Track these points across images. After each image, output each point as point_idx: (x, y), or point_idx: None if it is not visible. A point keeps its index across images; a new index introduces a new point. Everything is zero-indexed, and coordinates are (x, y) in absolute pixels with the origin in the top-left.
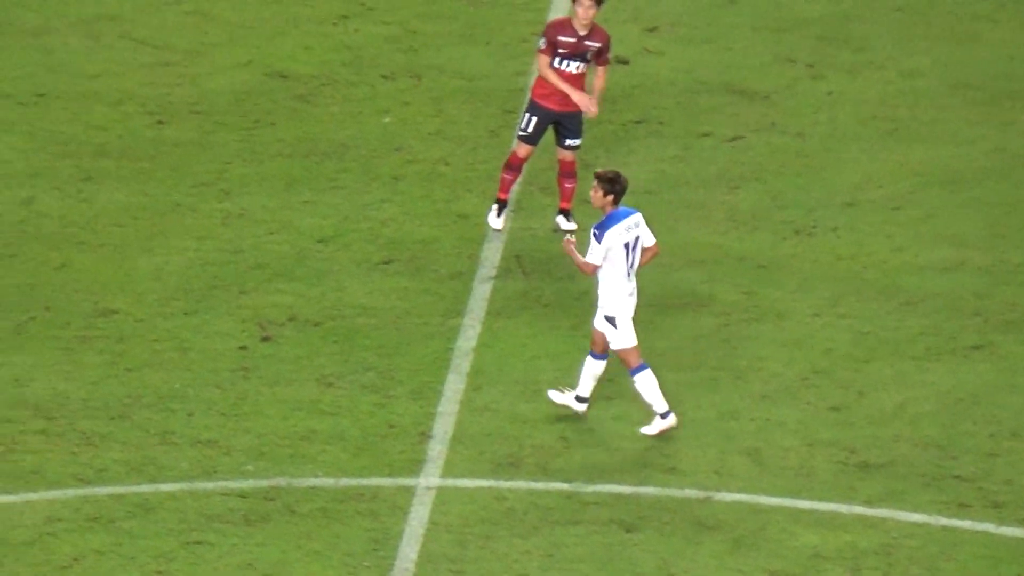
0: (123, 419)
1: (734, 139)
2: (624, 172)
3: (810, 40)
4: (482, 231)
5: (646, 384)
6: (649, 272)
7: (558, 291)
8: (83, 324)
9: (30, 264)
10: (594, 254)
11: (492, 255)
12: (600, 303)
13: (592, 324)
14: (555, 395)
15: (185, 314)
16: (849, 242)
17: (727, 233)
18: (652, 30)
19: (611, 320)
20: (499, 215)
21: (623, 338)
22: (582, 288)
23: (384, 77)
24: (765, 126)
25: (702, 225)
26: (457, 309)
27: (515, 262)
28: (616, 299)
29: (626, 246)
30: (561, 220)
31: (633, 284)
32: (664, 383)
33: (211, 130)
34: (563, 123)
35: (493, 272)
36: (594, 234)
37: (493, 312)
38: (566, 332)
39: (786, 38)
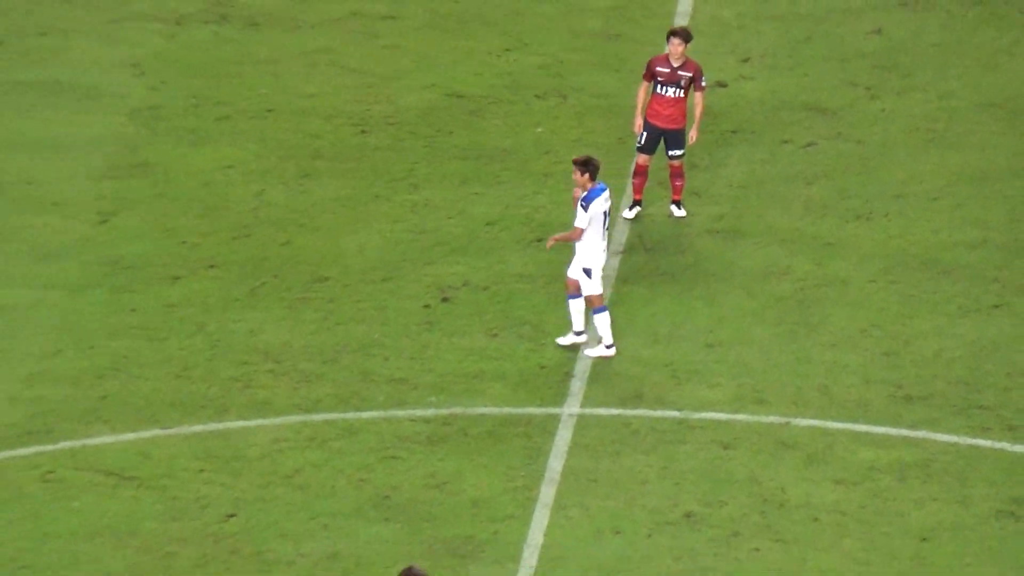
0: (334, 362)
1: (808, 145)
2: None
3: (868, 68)
4: (613, 216)
5: (603, 321)
6: (741, 248)
7: (672, 263)
8: (302, 288)
9: (261, 242)
10: (581, 220)
11: (620, 235)
12: (578, 258)
13: (567, 272)
14: (561, 340)
15: (383, 280)
16: (898, 225)
17: (803, 218)
18: (745, 60)
19: (587, 271)
20: (631, 210)
21: (594, 286)
22: (689, 261)
23: (537, 97)
24: (833, 135)
25: (783, 212)
26: None
27: (638, 240)
28: (593, 255)
29: (604, 213)
30: (674, 208)
31: (605, 243)
32: (753, 335)
33: (403, 138)
34: (668, 137)
35: (621, 248)
36: (581, 205)
37: (621, 279)
38: (677, 295)
39: (850, 66)
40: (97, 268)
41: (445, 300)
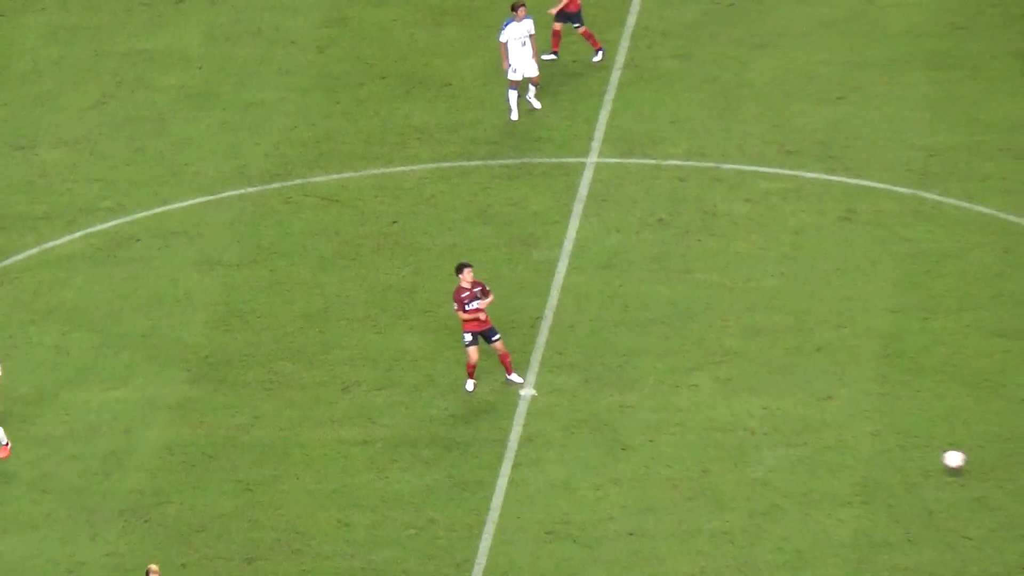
0: (454, 131)
1: (730, 5)
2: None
3: None
4: None
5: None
6: (690, 65)
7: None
8: (437, 88)
9: (413, 64)
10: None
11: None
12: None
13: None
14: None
15: None
16: (785, 50)
17: (729, 45)
18: None
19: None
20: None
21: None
22: (671, 66)
23: None
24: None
25: (718, 41)
26: None
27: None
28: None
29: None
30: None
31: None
32: (698, 114)
33: None
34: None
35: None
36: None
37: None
38: (658, 82)
39: None
40: (322, 79)
41: None
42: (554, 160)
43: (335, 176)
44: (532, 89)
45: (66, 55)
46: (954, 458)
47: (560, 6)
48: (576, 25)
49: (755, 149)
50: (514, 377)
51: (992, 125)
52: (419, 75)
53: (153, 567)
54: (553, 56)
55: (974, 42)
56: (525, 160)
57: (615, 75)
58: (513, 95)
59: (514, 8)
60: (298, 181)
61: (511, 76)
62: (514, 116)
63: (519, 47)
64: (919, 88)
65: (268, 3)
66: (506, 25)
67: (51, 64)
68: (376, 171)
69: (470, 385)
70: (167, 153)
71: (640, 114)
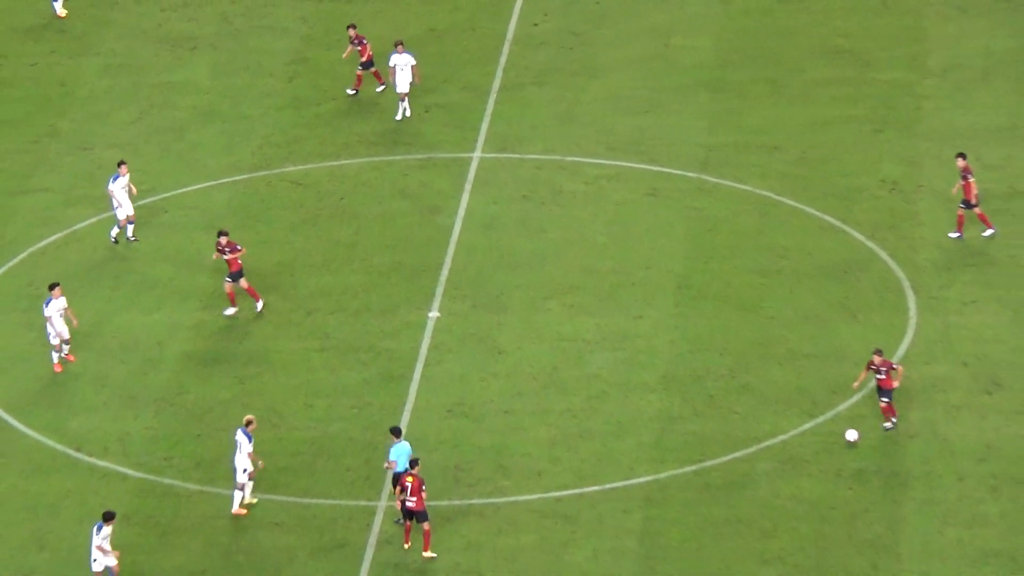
0: None
1: None
2: None
3: None
4: None
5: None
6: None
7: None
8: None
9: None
10: None
11: None
12: None
13: None
14: None
15: None
16: None
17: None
18: None
19: None
20: None
21: None
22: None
23: None
24: None
25: None
26: None
27: None
28: None
29: None
30: None
31: None
32: None
33: None
34: None
35: None
36: None
37: None
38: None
39: None
40: (291, 100)
41: None
42: (451, 155)
43: (301, 167)
44: (403, 102)
45: (114, 85)
46: (852, 435)
47: (347, 53)
48: (371, 68)
49: (588, 147)
50: (428, 554)
51: (751, 129)
52: (359, 98)
53: (250, 417)
54: (382, 87)
55: (738, 72)
56: (431, 156)
57: (492, 97)
58: (400, 105)
59: (396, 44)
60: (275, 171)
61: (398, 90)
62: (398, 117)
63: (401, 72)
64: (701, 105)
65: (253, 48)
66: (391, 55)
67: (104, 91)
68: (329, 163)
69: None
70: (184, 152)
71: (509, 123)
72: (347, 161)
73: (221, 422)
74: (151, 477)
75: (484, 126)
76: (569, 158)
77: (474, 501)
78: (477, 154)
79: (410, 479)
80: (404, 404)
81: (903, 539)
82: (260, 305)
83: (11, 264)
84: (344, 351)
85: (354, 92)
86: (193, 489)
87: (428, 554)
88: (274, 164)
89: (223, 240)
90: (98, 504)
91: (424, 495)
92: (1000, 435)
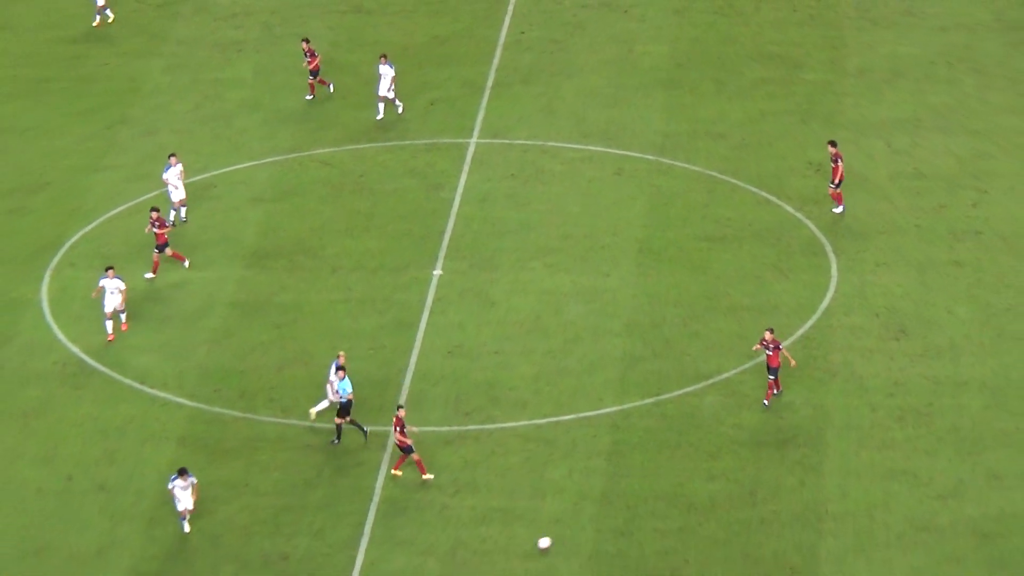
0: None
1: None
2: None
3: None
4: None
5: None
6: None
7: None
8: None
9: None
10: None
11: None
12: None
13: None
14: None
15: None
16: None
17: None
18: None
19: None
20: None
21: None
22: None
23: None
24: None
25: None
26: None
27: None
28: None
29: None
30: None
31: None
32: None
33: None
34: None
35: None
36: None
37: None
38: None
39: None
40: (320, 98)
41: None
42: (452, 141)
43: (328, 150)
44: (383, 104)
45: (174, 81)
46: (544, 542)
47: (309, 65)
48: (316, 77)
49: (565, 134)
50: (427, 476)
51: (700, 120)
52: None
53: (341, 353)
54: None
55: (689, 73)
56: (435, 141)
57: (486, 92)
58: (380, 105)
59: (381, 56)
60: (306, 153)
61: (380, 93)
62: (379, 116)
63: (383, 79)
64: (658, 100)
65: (289, 51)
66: (378, 66)
67: (165, 86)
68: (351, 147)
69: None
70: (233, 137)
71: (500, 115)
72: (366, 145)
73: (261, 360)
74: (202, 406)
75: (479, 117)
76: (549, 143)
77: (470, 427)
78: (474, 140)
79: (395, 421)
80: (412, 347)
81: (825, 460)
82: (187, 263)
83: (87, 229)
84: (363, 302)
85: (311, 96)
86: (238, 416)
87: (426, 476)
88: (306, 147)
89: (154, 215)
90: (158, 428)
91: (405, 434)
92: (905, 374)
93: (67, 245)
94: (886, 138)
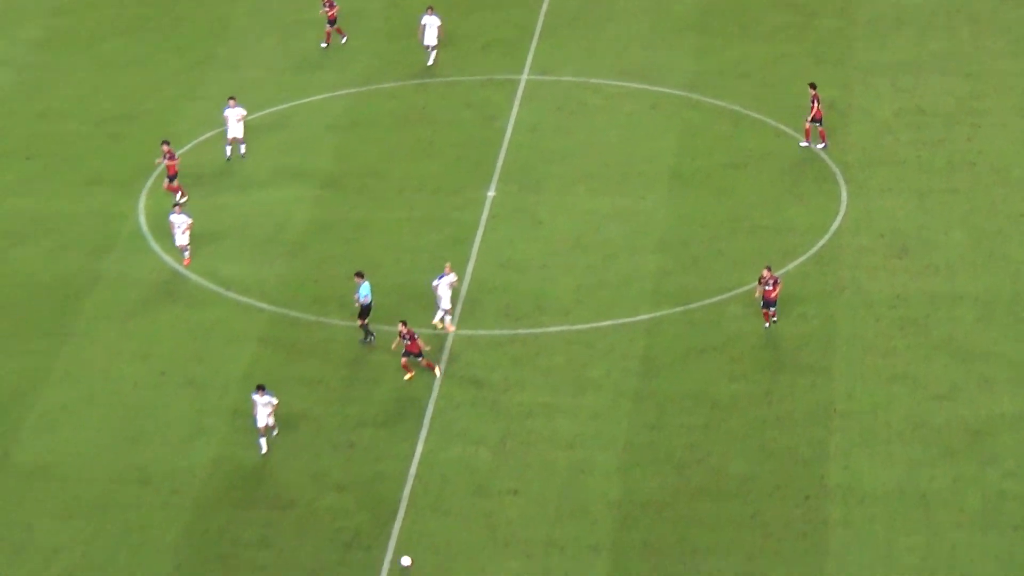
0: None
1: None
2: None
3: None
4: None
5: None
6: None
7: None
8: None
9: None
10: None
11: None
12: None
13: None
14: None
15: None
16: None
17: None
18: None
19: None
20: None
21: None
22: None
23: None
24: None
25: None
26: None
27: None
28: None
29: None
30: None
31: None
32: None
33: None
34: None
35: None
36: None
37: None
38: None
39: None
40: (391, 51)
41: None
42: (505, 77)
43: (395, 84)
44: (430, 51)
45: (258, 22)
46: (405, 560)
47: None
48: (334, 26)
49: (606, 72)
50: (437, 371)
51: (728, 61)
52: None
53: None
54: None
55: (717, 19)
56: (491, 77)
57: (536, 34)
58: (432, 53)
59: (428, 8)
60: (376, 87)
61: (425, 43)
62: (429, 63)
63: (429, 28)
64: (689, 42)
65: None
66: (423, 16)
67: (251, 27)
68: (415, 82)
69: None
70: (310, 72)
71: (548, 55)
72: (428, 80)
73: (334, 270)
74: (281, 310)
75: (529, 56)
76: (592, 80)
77: (519, 331)
78: (524, 77)
79: (406, 331)
80: (468, 260)
81: (834, 364)
82: (184, 199)
83: (180, 152)
84: (424, 220)
85: (326, 45)
86: (311, 320)
87: (437, 371)
88: (375, 81)
89: (165, 148)
90: (241, 330)
91: (419, 341)
92: (907, 288)
93: (161, 166)
94: (891, 78)
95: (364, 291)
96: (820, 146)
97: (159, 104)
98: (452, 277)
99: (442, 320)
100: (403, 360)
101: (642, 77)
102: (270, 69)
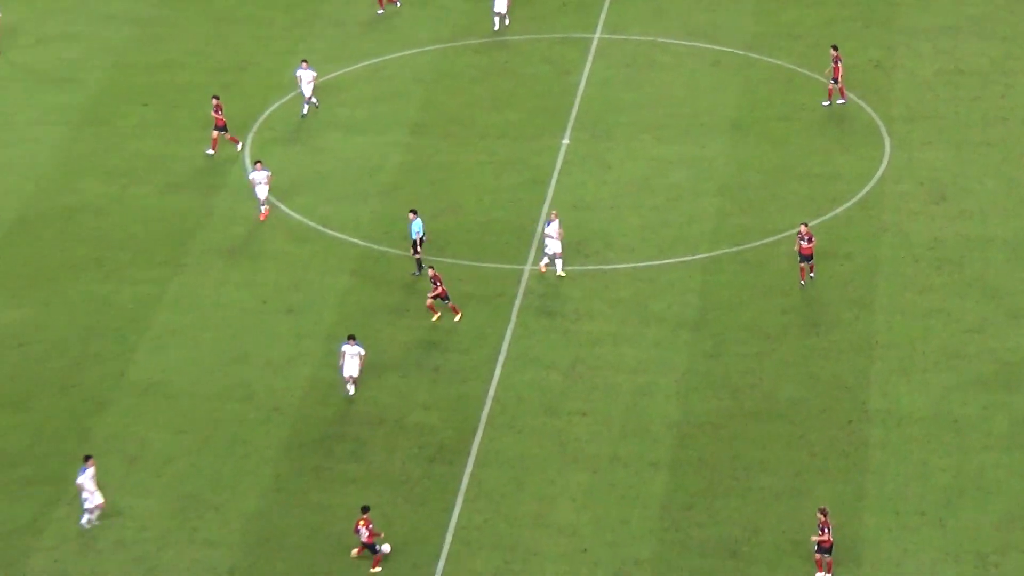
0: None
1: None
2: None
3: None
4: None
5: None
6: None
7: None
8: None
9: None
10: None
11: None
12: None
13: None
14: None
15: None
16: None
17: None
18: None
19: None
20: None
21: None
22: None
23: None
24: None
25: None
26: None
27: None
28: None
29: None
30: None
31: None
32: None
33: None
34: None
35: None
36: None
37: None
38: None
39: None
40: (476, 19)
41: None
42: (579, 36)
43: (479, 40)
44: (503, 16)
45: None
46: (386, 547)
47: None
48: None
49: (672, 32)
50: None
51: (783, 23)
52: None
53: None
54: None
55: None
56: (567, 36)
57: (607, 1)
58: (496, 18)
59: None
60: (461, 43)
61: (495, 9)
62: (496, 28)
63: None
64: (749, 5)
65: None
66: None
67: None
68: (497, 39)
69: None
70: (402, 28)
71: (620, 15)
72: (510, 38)
73: (421, 209)
74: (372, 245)
75: (602, 16)
76: (659, 39)
77: (588, 267)
78: (597, 35)
79: (434, 275)
80: (544, 201)
81: (876, 298)
82: (240, 146)
83: (283, 100)
84: (504, 164)
85: (381, 11)
86: (400, 254)
87: (457, 317)
88: (462, 38)
89: (215, 102)
90: (336, 263)
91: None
92: (944, 232)
93: (266, 113)
94: (932, 41)
95: (416, 227)
96: (841, 101)
97: (267, 57)
98: (556, 224)
99: (548, 264)
100: (428, 302)
101: (705, 37)
102: (367, 26)
